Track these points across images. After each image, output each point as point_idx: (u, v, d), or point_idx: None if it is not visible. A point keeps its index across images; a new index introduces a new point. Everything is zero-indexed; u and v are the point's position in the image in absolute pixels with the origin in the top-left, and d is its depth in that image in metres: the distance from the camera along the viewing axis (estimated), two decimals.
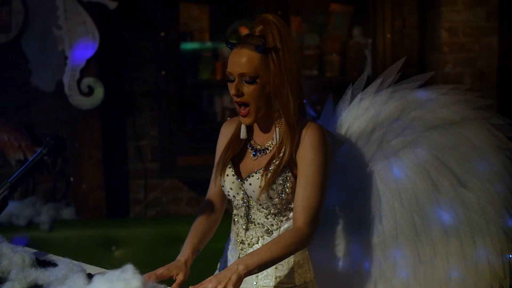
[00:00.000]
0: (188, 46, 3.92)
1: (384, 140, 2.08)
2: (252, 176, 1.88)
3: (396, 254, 2.03)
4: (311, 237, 1.83)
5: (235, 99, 1.85)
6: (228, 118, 2.11)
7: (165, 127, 3.81)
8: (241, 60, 1.81)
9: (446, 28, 3.85)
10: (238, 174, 1.94)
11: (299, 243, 1.80)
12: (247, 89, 1.82)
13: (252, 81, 1.81)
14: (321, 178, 1.84)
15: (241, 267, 1.69)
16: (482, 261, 2.04)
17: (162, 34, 3.74)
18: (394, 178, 2.05)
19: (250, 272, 1.71)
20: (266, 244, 1.80)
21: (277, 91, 1.84)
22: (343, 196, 2.09)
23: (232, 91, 1.83)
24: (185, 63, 3.89)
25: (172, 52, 3.76)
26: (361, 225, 2.08)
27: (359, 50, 3.94)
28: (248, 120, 1.86)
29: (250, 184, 1.88)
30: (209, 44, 3.96)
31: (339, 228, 2.10)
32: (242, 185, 1.92)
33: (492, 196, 2.05)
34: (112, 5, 3.60)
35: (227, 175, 1.94)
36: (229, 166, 1.94)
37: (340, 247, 2.10)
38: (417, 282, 2.03)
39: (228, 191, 1.96)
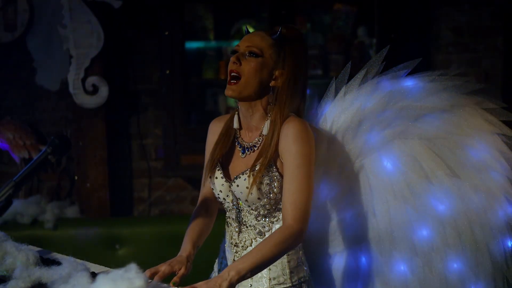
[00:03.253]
0: (192, 45, 3.92)
1: (372, 133, 2.01)
2: (239, 177, 1.86)
3: (392, 248, 1.99)
4: (302, 233, 1.78)
5: (231, 66, 1.84)
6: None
7: (169, 126, 3.82)
8: (253, 37, 1.88)
9: (451, 28, 3.85)
10: (226, 176, 1.92)
11: (290, 240, 1.75)
12: (247, 63, 1.84)
13: (255, 55, 1.83)
14: (306, 170, 1.79)
15: (232, 273, 1.66)
16: (482, 251, 1.97)
17: (167, 33, 3.74)
18: (385, 171, 1.99)
19: (242, 277, 1.68)
20: (256, 246, 1.77)
21: (284, 83, 1.85)
22: (334, 192, 2.05)
23: (233, 58, 1.85)
24: (189, 62, 3.89)
25: (177, 51, 3.77)
26: (354, 220, 2.04)
27: (363, 50, 3.93)
28: (231, 90, 1.84)
29: (238, 185, 1.86)
30: (213, 43, 3.96)
31: (333, 224, 2.06)
32: (230, 187, 1.91)
33: (488, 184, 1.98)
34: (117, 4, 3.61)
35: (216, 178, 1.92)
36: (218, 168, 1.92)
37: (335, 243, 2.07)
38: (415, 276, 1.98)
39: (218, 194, 1.94)
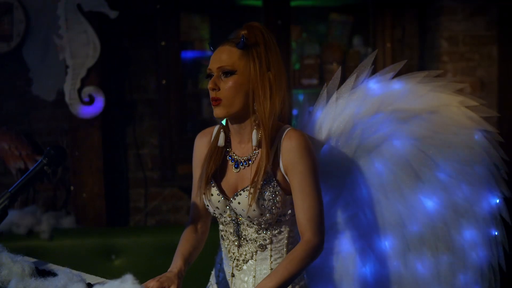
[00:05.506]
0: (188, 55, 3.93)
1: (364, 136, 2.06)
2: (240, 194, 1.84)
3: (385, 245, 2.06)
4: (322, 245, 1.83)
5: (211, 94, 1.82)
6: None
7: (166, 136, 3.82)
8: (221, 55, 1.83)
9: (446, 37, 3.87)
10: (222, 192, 1.90)
11: (312, 254, 1.81)
12: (224, 84, 1.81)
13: (229, 73, 1.80)
14: (315, 184, 1.83)
15: None
16: (469, 242, 2.07)
17: (163, 43, 3.76)
18: (377, 172, 2.05)
19: None
20: (281, 263, 1.79)
21: (255, 90, 1.81)
22: (328, 195, 2.09)
23: (210, 84, 1.82)
24: (185, 72, 3.90)
25: (173, 61, 3.77)
26: (348, 221, 2.09)
27: (359, 59, 3.95)
28: (219, 111, 1.82)
29: (239, 203, 1.84)
30: (209, 53, 3.97)
31: (327, 226, 2.08)
32: (229, 204, 1.88)
33: (473, 178, 2.07)
34: (113, 14, 3.62)
35: (212, 195, 1.90)
36: (213, 185, 1.90)
37: (329, 244, 2.11)
38: (408, 270, 2.05)
39: (214, 210, 1.92)
